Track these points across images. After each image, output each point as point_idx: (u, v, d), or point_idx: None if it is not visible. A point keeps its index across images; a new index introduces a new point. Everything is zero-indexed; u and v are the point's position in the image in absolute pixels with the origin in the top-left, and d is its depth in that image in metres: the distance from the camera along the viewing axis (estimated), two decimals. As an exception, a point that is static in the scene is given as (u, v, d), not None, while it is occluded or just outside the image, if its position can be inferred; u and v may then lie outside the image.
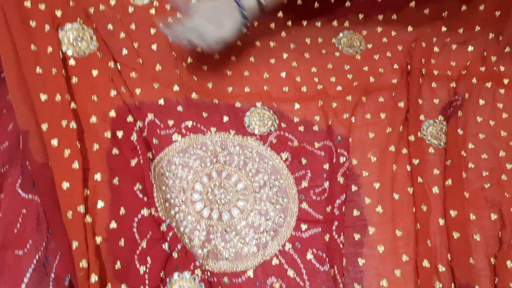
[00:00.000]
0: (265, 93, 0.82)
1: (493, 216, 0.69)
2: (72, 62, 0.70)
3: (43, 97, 0.62)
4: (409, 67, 0.86)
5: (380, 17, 0.91)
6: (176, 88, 0.78)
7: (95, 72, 0.70)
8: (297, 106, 0.81)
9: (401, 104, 0.80)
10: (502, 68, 0.84)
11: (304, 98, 0.82)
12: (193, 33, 0.70)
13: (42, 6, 0.69)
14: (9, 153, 0.65)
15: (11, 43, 0.63)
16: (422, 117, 0.80)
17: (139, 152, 0.66)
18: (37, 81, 0.63)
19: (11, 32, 0.63)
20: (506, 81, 0.83)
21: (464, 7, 0.88)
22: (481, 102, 0.81)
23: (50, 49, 0.67)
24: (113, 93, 0.70)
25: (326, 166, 0.75)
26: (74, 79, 0.68)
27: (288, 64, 0.87)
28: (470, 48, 0.87)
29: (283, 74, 0.85)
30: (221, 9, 0.74)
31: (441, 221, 0.68)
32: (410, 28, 0.91)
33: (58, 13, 0.71)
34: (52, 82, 0.64)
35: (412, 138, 0.77)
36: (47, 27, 0.68)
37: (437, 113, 0.81)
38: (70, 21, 0.72)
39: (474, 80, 0.83)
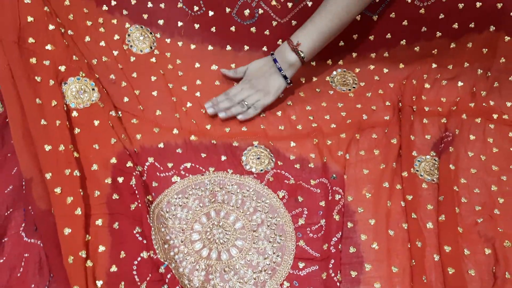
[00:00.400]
0: (262, 132, 0.85)
1: (487, 251, 0.70)
2: (75, 113, 0.74)
3: (47, 147, 0.66)
4: (400, 104, 0.89)
5: (373, 55, 0.94)
6: (175, 131, 0.81)
7: (96, 122, 0.74)
8: (292, 144, 0.84)
9: (394, 141, 0.83)
10: (491, 103, 0.87)
11: (299, 136, 0.85)
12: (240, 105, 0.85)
13: (46, 62, 0.73)
14: (13, 196, 0.68)
15: (17, 97, 0.67)
16: (414, 153, 0.82)
17: (138, 196, 0.68)
18: (42, 132, 0.66)
19: (17, 87, 0.67)
20: (495, 116, 0.85)
21: (453, 45, 0.91)
22: (472, 137, 0.83)
23: (54, 102, 0.71)
24: (113, 140, 0.73)
25: (322, 204, 0.77)
26: (77, 130, 0.72)
27: (284, 103, 0.90)
28: (460, 83, 0.90)
29: (279, 113, 0.88)
30: (267, 76, 0.85)
31: (436, 257, 0.69)
32: (401, 65, 0.94)
33: (62, 68, 0.75)
34: (56, 133, 0.67)
35: (405, 174, 0.78)
36: (51, 82, 0.72)
37: (429, 149, 0.83)
38: (73, 75, 0.76)
39: (464, 116, 0.85)
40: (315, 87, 0.93)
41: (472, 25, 0.88)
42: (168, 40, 0.91)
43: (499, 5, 0.84)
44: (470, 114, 0.86)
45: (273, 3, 0.91)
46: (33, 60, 0.72)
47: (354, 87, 0.93)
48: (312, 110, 0.89)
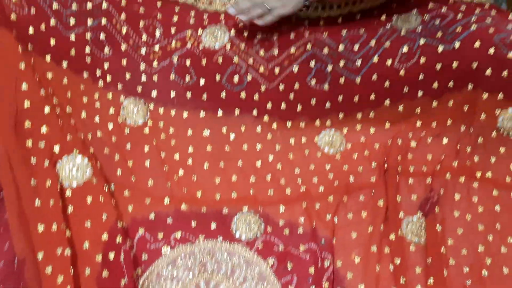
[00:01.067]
0: (251, 198, 0.87)
1: (476, 315, 0.70)
2: (68, 193, 0.77)
3: (40, 228, 0.68)
4: (386, 165, 0.91)
5: (359, 115, 0.97)
6: (166, 201, 0.84)
7: (89, 199, 0.77)
8: (282, 209, 0.86)
9: (380, 203, 0.84)
10: (476, 159, 0.88)
11: (288, 200, 0.87)
12: (262, 5, 0.88)
13: (41, 144, 0.77)
14: (5, 273, 0.69)
15: (13, 180, 0.70)
16: (401, 215, 0.83)
17: (125, 272, 0.70)
18: (36, 213, 0.69)
19: (14, 170, 0.71)
20: (478, 174, 0.86)
21: (435, 103, 0.94)
22: (457, 197, 0.84)
23: (48, 183, 0.74)
24: (105, 216, 0.76)
25: (312, 270, 0.78)
26: (70, 209, 0.75)
27: (273, 167, 0.92)
28: (445, 140, 0.92)
29: (268, 177, 0.91)
30: None
31: (426, 321, 0.69)
32: (387, 125, 0.96)
33: (56, 148, 0.79)
34: (50, 213, 0.70)
35: (393, 236, 0.80)
36: (46, 163, 0.76)
37: (415, 210, 0.84)
38: (67, 154, 0.79)
39: (448, 176, 0.87)
40: (304, 148, 0.96)
41: (451, 84, 0.90)
42: (161, 110, 0.95)
43: (474, 65, 0.86)
44: (454, 174, 0.87)
45: (261, 70, 0.95)
46: (29, 143, 0.76)
47: (341, 150, 0.95)
48: (301, 173, 0.91)
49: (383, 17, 0.98)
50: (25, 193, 0.70)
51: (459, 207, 0.83)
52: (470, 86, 0.88)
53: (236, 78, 0.95)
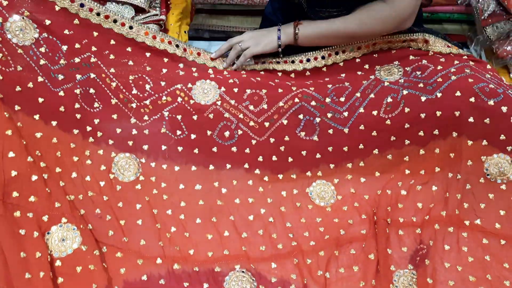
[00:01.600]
0: (243, 254, 0.87)
1: None
2: (58, 263, 0.77)
3: (31, 300, 0.69)
4: (375, 217, 0.92)
5: (349, 165, 0.98)
6: (159, 261, 0.84)
7: (79, 268, 0.77)
8: (274, 265, 0.86)
9: (372, 256, 0.85)
10: (465, 205, 0.89)
11: (280, 256, 0.87)
12: (237, 46, 1.00)
13: (30, 214, 0.78)
14: None
15: (1, 253, 0.70)
16: (392, 267, 0.83)
17: None
18: (26, 285, 0.69)
19: (2, 243, 0.71)
20: (467, 222, 0.87)
21: (422, 151, 0.95)
22: (446, 247, 0.85)
23: (38, 254, 0.74)
24: (95, 286, 0.76)
25: (304, 328, 0.78)
26: (60, 280, 0.75)
27: (265, 220, 0.93)
28: (434, 187, 0.93)
29: (261, 232, 0.91)
30: (263, 34, 1.01)
31: None
32: (377, 173, 0.98)
33: (45, 218, 0.79)
34: (40, 285, 0.71)
35: (384, 291, 0.80)
36: (35, 234, 0.76)
37: (406, 262, 0.85)
38: (55, 223, 0.80)
39: (436, 226, 0.88)
40: (296, 200, 0.96)
41: (436, 132, 0.92)
42: (152, 164, 0.96)
43: (457, 113, 0.89)
44: (443, 223, 0.88)
45: (251, 124, 0.97)
46: (17, 214, 0.76)
47: (331, 202, 0.96)
48: (292, 226, 0.92)
49: (366, 66, 1.01)
50: (14, 266, 0.70)
51: (450, 258, 0.83)
52: (454, 134, 0.90)
53: (227, 133, 0.96)
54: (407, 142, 0.95)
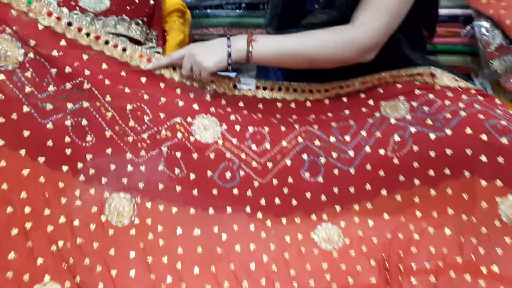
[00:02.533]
0: None
1: None
2: None
3: None
4: (387, 263, 0.86)
5: (356, 207, 0.93)
6: None
7: None
8: None
9: None
10: (481, 251, 0.84)
11: None
12: (190, 59, 0.91)
13: (10, 274, 0.72)
14: None
15: None
16: None
17: None
18: None
19: None
20: (484, 269, 0.81)
21: (433, 192, 0.90)
22: None
23: None
24: None
25: None
26: None
27: (267, 268, 0.87)
28: (448, 231, 0.88)
29: (263, 281, 0.85)
30: (213, 47, 0.92)
31: None
32: (386, 216, 0.92)
33: (26, 277, 0.73)
34: None
35: None
36: None
37: None
38: (38, 282, 0.74)
39: (452, 274, 0.82)
40: (300, 245, 0.90)
41: (447, 172, 0.88)
42: (148, 205, 0.90)
43: (469, 152, 0.84)
44: (458, 271, 0.82)
45: (254, 164, 0.92)
46: None
47: (339, 245, 0.90)
48: (297, 275, 0.86)
49: (371, 102, 0.96)
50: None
51: None
52: (467, 174, 0.85)
53: (228, 174, 0.91)
54: (417, 182, 0.90)
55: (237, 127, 0.93)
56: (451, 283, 0.81)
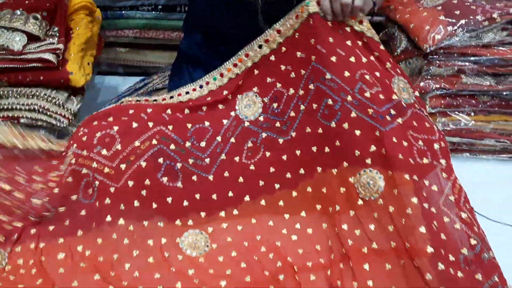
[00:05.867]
0: None
1: None
2: None
3: None
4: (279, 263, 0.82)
5: (222, 213, 0.91)
6: None
7: None
8: None
9: None
10: (357, 232, 0.82)
11: None
12: None
13: None
14: None
15: None
16: None
17: None
18: None
19: None
20: (365, 250, 0.80)
21: (294, 193, 0.91)
22: (355, 284, 0.78)
23: None
24: None
25: None
26: None
27: (130, 275, 0.82)
28: (324, 225, 0.87)
29: (125, 283, 0.80)
30: None
31: None
32: (253, 220, 0.90)
33: None
34: None
35: None
36: None
37: None
38: None
39: (341, 265, 0.81)
40: (164, 250, 0.86)
41: (302, 172, 0.90)
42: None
43: (314, 148, 0.88)
44: (347, 260, 0.80)
45: (106, 170, 0.88)
46: None
47: (205, 251, 0.86)
48: (161, 277, 0.82)
49: (230, 97, 0.94)
50: None
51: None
52: (319, 169, 0.87)
53: (90, 190, 0.87)
54: (277, 186, 0.90)
55: (84, 138, 0.88)
56: (341, 274, 0.79)
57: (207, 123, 0.93)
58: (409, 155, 0.79)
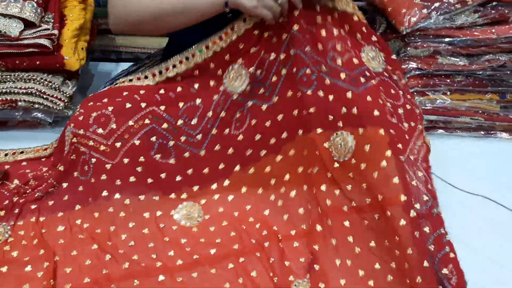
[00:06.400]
0: (104, 276, 0.80)
1: None
2: None
3: None
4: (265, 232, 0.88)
5: (214, 186, 0.95)
6: None
7: None
8: (136, 282, 0.79)
9: (254, 273, 0.81)
10: (336, 192, 0.86)
11: (142, 274, 0.81)
12: None
13: None
14: None
15: None
16: (291, 278, 0.80)
17: None
18: None
19: None
20: (345, 208, 0.84)
21: (279, 157, 0.93)
22: (334, 241, 0.82)
23: None
24: None
25: None
26: None
27: (125, 245, 0.87)
28: (305, 187, 0.91)
29: (121, 251, 0.86)
30: None
31: None
32: (243, 189, 0.95)
33: None
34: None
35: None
36: None
37: (305, 272, 0.81)
38: None
39: (318, 227, 0.85)
40: (159, 222, 0.91)
41: (284, 135, 0.91)
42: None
43: (295, 112, 0.90)
44: (325, 221, 0.85)
45: (102, 148, 0.93)
46: None
47: (199, 221, 0.91)
48: (155, 246, 0.87)
49: (220, 72, 0.97)
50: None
51: (339, 254, 0.81)
52: (300, 131, 0.90)
53: (86, 167, 0.92)
54: (263, 152, 0.93)
55: (81, 118, 0.93)
56: (320, 235, 0.84)
57: (198, 101, 0.97)
58: (384, 111, 0.84)
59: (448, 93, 1.23)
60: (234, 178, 0.94)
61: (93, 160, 0.92)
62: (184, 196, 0.94)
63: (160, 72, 1.00)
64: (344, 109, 0.86)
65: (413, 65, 1.18)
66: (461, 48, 1.17)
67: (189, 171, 0.94)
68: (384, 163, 0.80)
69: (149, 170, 0.93)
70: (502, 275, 0.87)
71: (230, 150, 0.94)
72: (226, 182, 0.94)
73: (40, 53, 1.14)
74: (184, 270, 0.81)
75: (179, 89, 0.98)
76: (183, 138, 0.94)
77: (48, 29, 1.16)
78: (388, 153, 0.80)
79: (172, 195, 0.93)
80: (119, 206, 0.91)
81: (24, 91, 1.15)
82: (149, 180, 0.93)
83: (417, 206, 0.79)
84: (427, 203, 0.81)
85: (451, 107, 1.23)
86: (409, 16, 1.12)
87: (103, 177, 0.92)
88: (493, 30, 1.14)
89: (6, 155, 1.07)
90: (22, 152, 1.08)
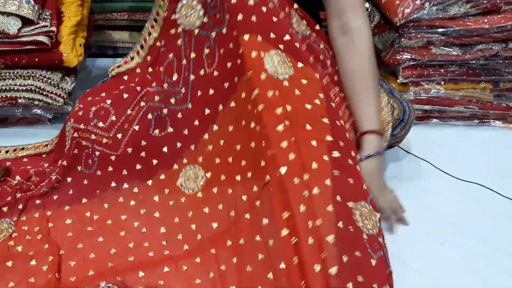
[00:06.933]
0: (110, 269, 0.82)
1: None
2: None
3: None
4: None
5: (206, 136, 0.92)
6: None
7: None
8: (141, 274, 0.81)
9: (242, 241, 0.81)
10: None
11: (149, 264, 0.83)
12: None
13: None
14: None
15: None
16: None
17: None
18: None
19: None
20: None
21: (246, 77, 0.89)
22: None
23: None
24: None
25: None
26: None
27: (137, 233, 0.89)
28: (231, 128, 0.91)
29: (131, 245, 0.87)
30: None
31: None
32: (230, 128, 0.89)
33: None
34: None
35: None
36: None
37: None
38: None
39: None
40: (169, 200, 0.92)
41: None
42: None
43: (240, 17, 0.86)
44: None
45: (104, 141, 0.95)
46: None
47: (201, 184, 0.91)
48: (166, 232, 0.88)
49: (173, 16, 0.94)
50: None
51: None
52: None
53: (90, 161, 0.94)
54: (236, 79, 0.87)
55: (80, 113, 0.95)
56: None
57: (170, 55, 0.96)
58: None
59: (442, 83, 1.25)
60: (219, 120, 0.90)
61: (97, 153, 0.93)
62: (184, 161, 0.93)
63: (142, 47, 1.00)
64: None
65: (407, 56, 1.20)
66: (454, 38, 1.18)
67: (185, 131, 0.93)
68: (317, 101, 0.82)
69: (152, 150, 0.94)
70: (498, 258, 0.90)
71: (211, 91, 0.90)
72: (215, 127, 0.91)
73: (39, 50, 1.15)
74: (188, 258, 0.83)
75: (159, 56, 0.98)
76: (172, 100, 0.94)
77: (46, 26, 1.17)
78: (321, 95, 0.84)
79: (175, 166, 0.94)
80: (128, 195, 0.93)
81: (24, 88, 1.16)
82: (155, 161, 0.94)
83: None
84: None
85: (445, 96, 1.25)
86: (403, 7, 1.14)
87: (110, 168, 0.94)
88: (485, 20, 1.16)
89: (7, 151, 1.08)
90: (23, 149, 1.09)
